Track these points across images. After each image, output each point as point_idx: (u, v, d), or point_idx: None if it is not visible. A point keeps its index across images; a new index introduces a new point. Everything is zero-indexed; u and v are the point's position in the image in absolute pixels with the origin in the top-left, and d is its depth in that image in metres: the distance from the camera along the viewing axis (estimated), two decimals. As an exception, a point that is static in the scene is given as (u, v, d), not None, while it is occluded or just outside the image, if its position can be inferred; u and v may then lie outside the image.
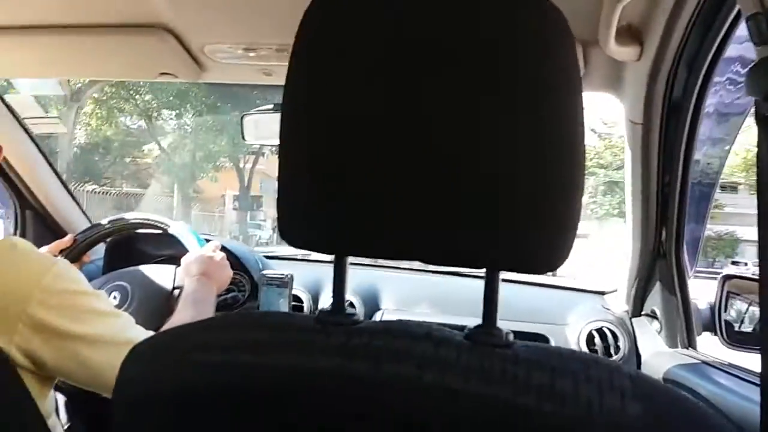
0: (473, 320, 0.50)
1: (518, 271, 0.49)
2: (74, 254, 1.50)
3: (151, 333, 0.96)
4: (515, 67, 0.47)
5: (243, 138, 1.61)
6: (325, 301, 1.57)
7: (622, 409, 0.42)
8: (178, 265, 1.40)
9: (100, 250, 1.68)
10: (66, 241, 1.49)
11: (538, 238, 0.48)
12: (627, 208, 1.44)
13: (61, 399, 1.39)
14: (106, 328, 0.90)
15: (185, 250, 1.39)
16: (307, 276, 1.58)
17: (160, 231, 1.49)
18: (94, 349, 0.88)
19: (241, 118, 1.60)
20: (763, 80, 0.60)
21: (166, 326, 1.09)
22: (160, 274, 1.42)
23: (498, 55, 0.47)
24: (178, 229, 1.44)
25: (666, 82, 1.10)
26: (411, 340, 0.48)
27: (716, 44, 0.99)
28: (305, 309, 1.56)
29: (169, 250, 1.60)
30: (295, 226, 0.52)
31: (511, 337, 0.49)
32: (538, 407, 0.42)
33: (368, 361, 0.46)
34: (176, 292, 1.37)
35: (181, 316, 1.13)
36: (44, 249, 1.41)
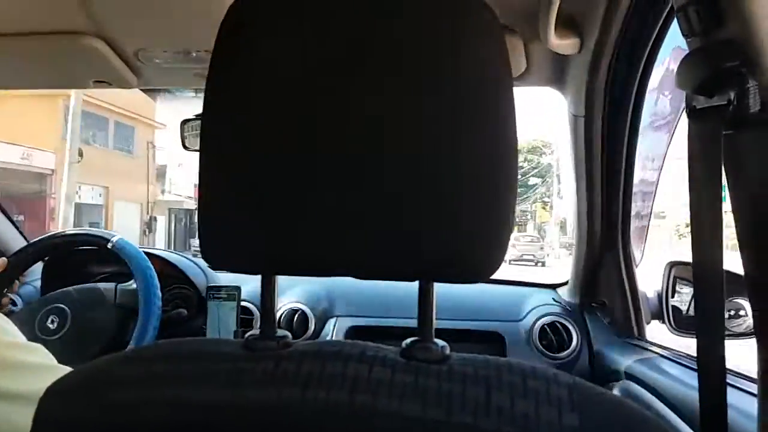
0: None
1: (451, 282, 0.47)
2: (6, 279, 1.39)
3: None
4: (440, 66, 0.45)
5: (183, 146, 1.55)
6: (277, 312, 1.54)
7: (558, 422, 0.42)
8: (121, 281, 1.34)
9: (37, 269, 1.59)
10: None
11: (470, 247, 0.46)
12: (571, 200, 1.46)
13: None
14: (33, 385, 0.73)
15: (127, 267, 1.33)
16: (256, 287, 1.53)
17: (98, 247, 1.42)
18: (16, 408, 0.75)
19: (182, 124, 1.55)
20: (693, 72, 0.61)
21: None
22: (99, 294, 1.35)
23: (423, 54, 0.45)
24: (119, 244, 1.37)
25: (607, 74, 1.11)
26: (343, 363, 0.46)
27: (654, 34, 1.01)
28: (254, 321, 1.51)
29: (112, 266, 1.53)
30: (218, 246, 0.49)
31: (447, 350, 0.48)
32: (474, 424, 0.41)
33: (297, 389, 0.44)
34: (117, 311, 1.31)
35: None
36: None
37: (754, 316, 0.61)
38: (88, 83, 1.44)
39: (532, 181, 33.83)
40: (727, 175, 0.60)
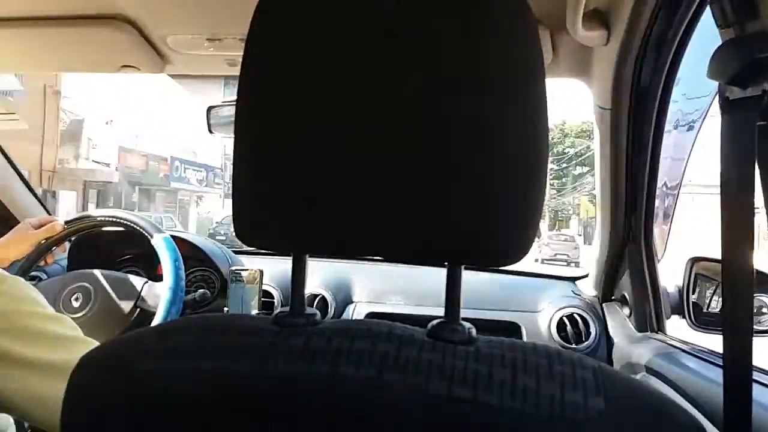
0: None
1: (480, 266, 0.48)
2: (57, 240, 1.43)
3: None
4: (476, 55, 0.45)
5: (209, 131, 1.57)
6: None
7: (584, 404, 0.42)
8: (144, 267, 1.33)
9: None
10: (50, 228, 1.39)
11: (499, 231, 0.47)
12: (597, 193, 1.45)
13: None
14: (62, 356, 0.77)
15: (151, 248, 1.35)
16: (278, 270, 1.56)
17: (128, 229, 1.43)
18: (46, 378, 0.75)
19: (207, 110, 1.57)
20: (727, 63, 0.60)
21: None
22: (128, 285, 1.37)
23: (459, 44, 0.45)
24: (161, 242, 1.38)
25: (634, 67, 1.10)
26: (371, 341, 0.47)
27: (683, 28, 1.00)
28: (276, 304, 1.54)
29: (137, 249, 1.56)
30: (252, 226, 0.51)
31: (474, 332, 0.48)
32: (500, 405, 0.42)
33: (327, 364, 0.45)
34: (138, 310, 1.33)
35: None
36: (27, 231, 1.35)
37: None
38: (117, 68, 1.46)
39: (578, 170, 29.47)
40: (760, 167, 0.59)
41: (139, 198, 18.55)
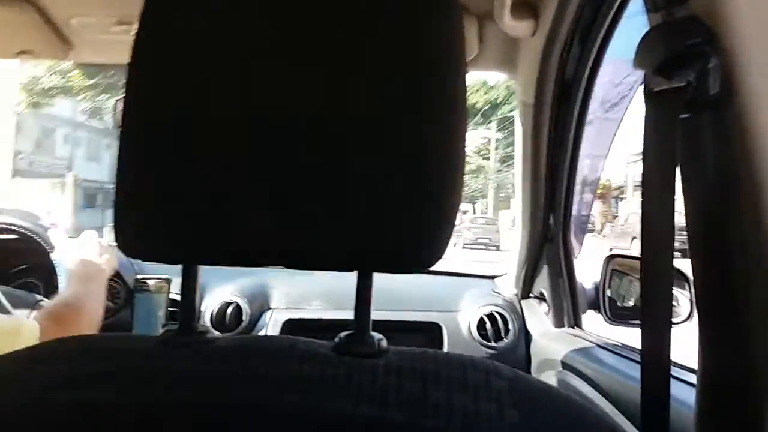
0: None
1: (391, 272, 0.44)
2: None
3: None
4: (390, 46, 0.41)
5: (115, 126, 1.46)
6: (210, 305, 1.44)
7: (498, 416, 0.39)
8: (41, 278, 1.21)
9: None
10: None
11: (412, 236, 0.43)
12: (516, 191, 1.46)
13: None
14: None
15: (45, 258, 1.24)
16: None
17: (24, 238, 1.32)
18: None
19: (115, 102, 1.45)
20: (654, 50, 0.59)
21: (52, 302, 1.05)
22: (21, 302, 1.24)
23: (371, 33, 0.41)
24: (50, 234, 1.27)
25: (559, 59, 1.10)
26: (270, 360, 0.42)
27: (610, 17, 1.00)
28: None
29: (32, 260, 1.44)
30: (135, 233, 0.44)
31: (384, 343, 0.45)
32: (409, 422, 0.38)
33: (217, 388, 0.40)
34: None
35: (69, 291, 1.08)
36: None
37: (698, 308, 0.61)
38: (12, 54, 1.31)
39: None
40: (681, 161, 0.58)
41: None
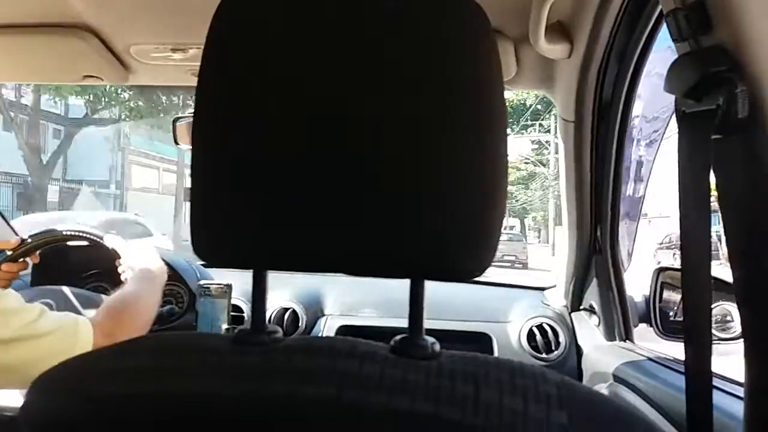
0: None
1: (443, 279, 0.48)
2: (20, 253, 1.37)
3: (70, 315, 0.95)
4: (435, 68, 0.45)
5: (175, 142, 1.56)
6: (268, 310, 1.51)
7: (546, 418, 0.42)
8: (111, 283, 1.30)
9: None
10: (12, 242, 1.36)
11: (461, 244, 0.46)
12: (562, 205, 1.47)
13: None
14: (15, 325, 0.86)
15: (113, 263, 1.32)
16: (248, 285, 1.52)
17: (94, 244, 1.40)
18: (6, 350, 0.84)
19: (173, 121, 1.55)
20: (683, 77, 0.61)
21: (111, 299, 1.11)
22: (93, 302, 1.32)
23: (417, 56, 0.45)
24: (113, 241, 1.36)
25: (596, 79, 1.11)
26: (332, 358, 0.46)
27: (643, 40, 1.01)
28: (246, 318, 1.51)
29: (102, 264, 1.51)
30: (210, 241, 0.49)
31: (437, 347, 0.48)
32: (462, 420, 0.41)
33: (285, 383, 0.44)
34: None
35: (128, 289, 1.14)
36: None
37: (742, 322, 0.62)
38: (80, 78, 1.43)
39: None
40: (716, 180, 0.60)
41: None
